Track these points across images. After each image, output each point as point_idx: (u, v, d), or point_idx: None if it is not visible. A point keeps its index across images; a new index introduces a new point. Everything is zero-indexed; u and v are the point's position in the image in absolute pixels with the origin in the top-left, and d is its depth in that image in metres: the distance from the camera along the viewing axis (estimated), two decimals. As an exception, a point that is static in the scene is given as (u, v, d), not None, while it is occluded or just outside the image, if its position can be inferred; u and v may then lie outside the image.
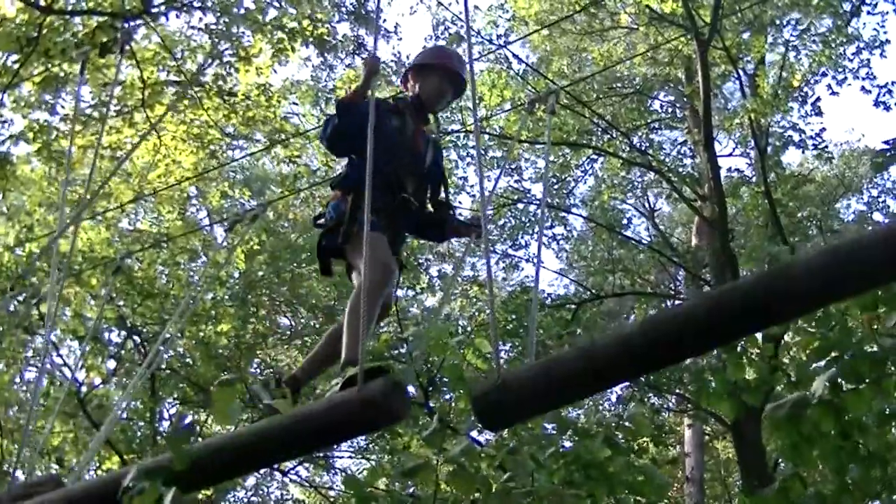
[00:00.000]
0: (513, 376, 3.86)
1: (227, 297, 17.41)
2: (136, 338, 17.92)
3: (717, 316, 3.52)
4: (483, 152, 17.57)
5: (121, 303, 16.99)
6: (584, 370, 3.71)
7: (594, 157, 19.94)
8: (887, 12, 17.55)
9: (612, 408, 19.72)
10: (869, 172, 21.42)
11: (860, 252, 3.27)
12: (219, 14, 14.62)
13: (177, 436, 4.52)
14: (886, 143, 5.96)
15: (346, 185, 5.52)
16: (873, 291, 5.71)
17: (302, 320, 19.07)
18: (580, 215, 20.40)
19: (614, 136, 18.80)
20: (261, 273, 17.90)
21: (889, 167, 6.13)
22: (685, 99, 19.72)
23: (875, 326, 6.01)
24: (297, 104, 17.45)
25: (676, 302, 19.20)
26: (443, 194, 5.94)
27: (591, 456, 6.52)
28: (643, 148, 19.08)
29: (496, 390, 3.82)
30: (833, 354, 5.97)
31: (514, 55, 18.26)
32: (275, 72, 15.42)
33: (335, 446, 16.22)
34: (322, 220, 5.73)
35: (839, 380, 5.69)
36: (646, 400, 18.12)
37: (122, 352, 18.22)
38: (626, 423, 8.47)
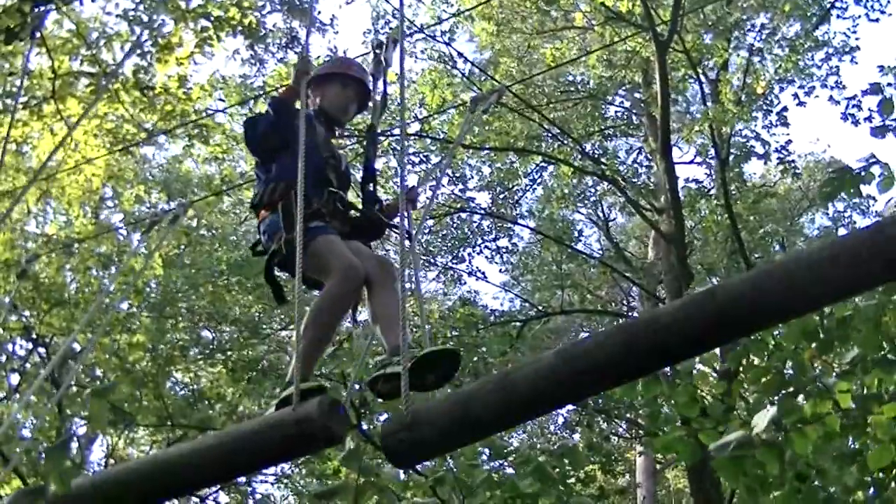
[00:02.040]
0: (423, 411, 3.81)
1: (143, 307, 16.87)
2: (42, 350, 17.24)
3: (634, 349, 3.51)
4: (425, 158, 17.18)
5: (26, 312, 16.36)
6: (500, 403, 3.67)
7: (544, 164, 19.66)
8: (859, 16, 17.34)
9: (558, 433, 19.45)
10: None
11: (787, 279, 3.31)
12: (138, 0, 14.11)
13: (56, 450, 4.16)
14: (832, 172, 6.41)
15: (273, 195, 5.29)
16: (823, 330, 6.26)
17: (225, 334, 18.53)
18: (527, 226, 19.99)
19: (566, 142, 18.49)
20: (180, 283, 17.42)
21: (836, 197, 6.44)
22: (642, 104, 19.57)
23: (817, 363, 6.44)
24: (223, 100, 16.88)
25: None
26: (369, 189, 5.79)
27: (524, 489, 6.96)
28: (596, 156, 18.84)
29: (405, 429, 3.78)
30: (788, 390, 6.32)
31: (459, 53, 17.86)
32: (195, 63, 14.90)
33: (264, 469, 15.85)
34: (260, 248, 5.45)
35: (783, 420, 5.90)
36: (594, 425, 17.88)
37: (27, 365, 17.50)
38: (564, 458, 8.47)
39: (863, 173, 6.13)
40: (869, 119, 16.12)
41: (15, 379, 17.68)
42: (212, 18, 14.45)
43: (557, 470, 7.67)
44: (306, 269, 4.89)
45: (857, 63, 17.58)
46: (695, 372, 7.36)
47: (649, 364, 3.76)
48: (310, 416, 3.93)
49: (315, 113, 5.71)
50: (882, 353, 6.24)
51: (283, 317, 17.60)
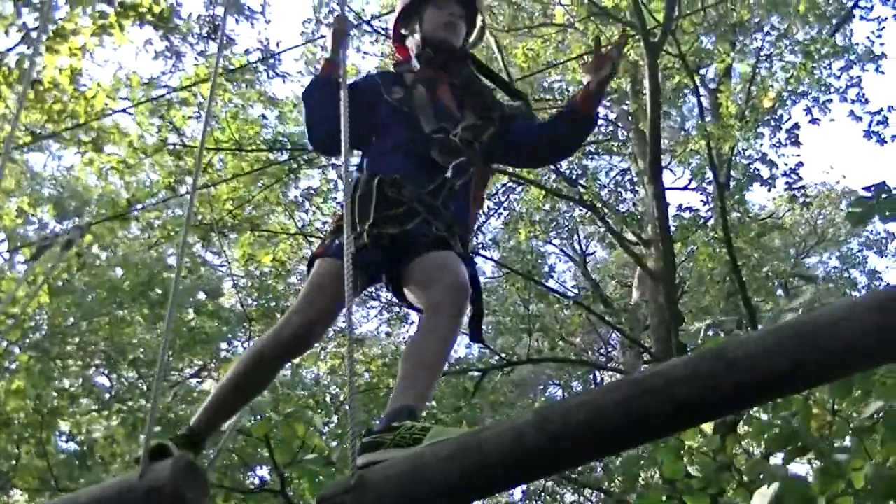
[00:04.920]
0: (374, 476, 3.41)
1: (24, 346, 15.83)
2: None
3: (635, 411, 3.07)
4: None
5: None
6: (467, 470, 3.22)
7: (510, 185, 19.13)
8: (885, 18, 16.33)
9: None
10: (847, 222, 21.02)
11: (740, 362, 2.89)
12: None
13: None
14: (867, 189, 6.00)
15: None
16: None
17: (124, 380, 17.37)
18: (490, 258, 19.49)
19: (537, 159, 17.41)
20: (70, 315, 16.36)
21: (869, 220, 6.16)
22: (629, 117, 18.98)
23: (827, 432, 6.27)
24: (127, 99, 15.77)
25: (611, 374, 18.73)
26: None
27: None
28: (573, 176, 18.43)
29: (347, 492, 3.35)
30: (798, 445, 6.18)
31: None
32: (91, 54, 14.48)
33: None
34: None
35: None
36: (558, 497, 16.91)
37: None
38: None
39: (903, 194, 6.00)
40: (896, 138, 15.52)
41: None
42: (114, 3, 14.03)
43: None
44: None
45: (882, 73, 16.85)
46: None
47: (654, 431, 3.35)
48: (158, 482, 3.55)
49: (417, 58, 4.99)
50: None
51: (194, 360, 16.33)
